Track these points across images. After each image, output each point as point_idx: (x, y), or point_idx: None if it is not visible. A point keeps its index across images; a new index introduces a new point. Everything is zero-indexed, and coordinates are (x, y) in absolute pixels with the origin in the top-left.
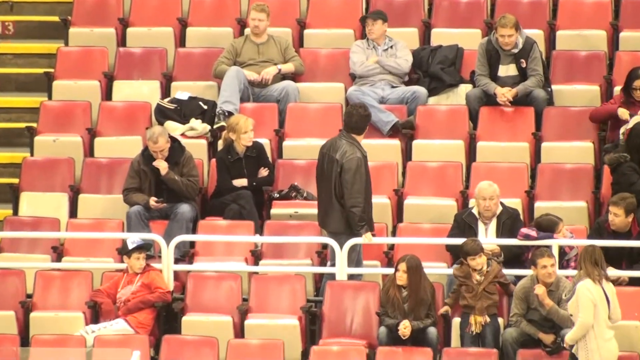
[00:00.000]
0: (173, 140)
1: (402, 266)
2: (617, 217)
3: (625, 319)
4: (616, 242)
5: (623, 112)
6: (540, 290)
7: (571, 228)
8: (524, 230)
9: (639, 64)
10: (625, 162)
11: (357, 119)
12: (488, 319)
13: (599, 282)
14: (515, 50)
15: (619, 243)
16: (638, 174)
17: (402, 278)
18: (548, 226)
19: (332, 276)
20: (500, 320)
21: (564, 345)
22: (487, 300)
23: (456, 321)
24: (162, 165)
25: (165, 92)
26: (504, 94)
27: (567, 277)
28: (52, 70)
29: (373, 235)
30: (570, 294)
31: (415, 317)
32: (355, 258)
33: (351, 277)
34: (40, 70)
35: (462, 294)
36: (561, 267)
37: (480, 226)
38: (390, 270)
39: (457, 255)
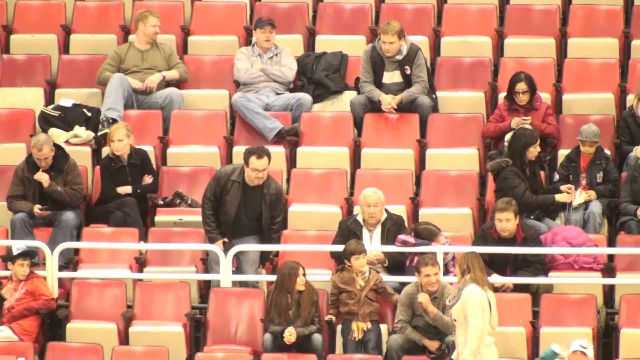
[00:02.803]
0: (57, 147)
1: (301, 271)
2: (508, 222)
3: (510, 325)
4: (502, 248)
5: (516, 122)
6: (423, 298)
7: (456, 235)
8: (401, 236)
9: (523, 70)
10: (507, 166)
11: None
12: (370, 325)
13: (485, 288)
14: (400, 57)
15: (505, 250)
16: (519, 178)
17: (301, 283)
18: (427, 236)
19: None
20: (384, 327)
21: None
22: (369, 306)
23: (339, 328)
24: (43, 179)
25: (49, 99)
26: (389, 100)
27: (451, 283)
28: None
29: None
30: (455, 299)
31: (300, 324)
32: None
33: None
34: None
35: (344, 300)
36: (444, 273)
37: (365, 233)
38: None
39: (341, 261)
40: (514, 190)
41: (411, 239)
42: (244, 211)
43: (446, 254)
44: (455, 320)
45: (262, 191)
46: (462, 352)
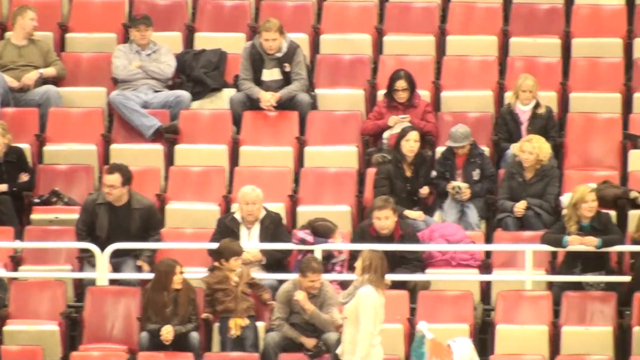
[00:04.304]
0: None
1: (178, 269)
2: (387, 219)
3: (388, 322)
4: (380, 245)
5: (392, 120)
6: (300, 295)
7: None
8: (300, 234)
9: (402, 67)
10: (384, 162)
11: None
12: (248, 321)
13: (379, 291)
14: (279, 55)
15: (383, 247)
16: (387, 179)
17: (178, 281)
18: (324, 232)
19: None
20: (261, 324)
21: None
22: (246, 302)
23: (217, 326)
24: None
25: None
26: (268, 98)
27: (331, 281)
28: None
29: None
30: (350, 297)
31: (177, 322)
32: None
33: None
34: None
35: (220, 299)
36: (326, 270)
37: (243, 230)
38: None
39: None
40: (375, 190)
41: (309, 237)
42: (115, 232)
43: (339, 252)
44: (346, 318)
45: (130, 208)
46: (348, 351)
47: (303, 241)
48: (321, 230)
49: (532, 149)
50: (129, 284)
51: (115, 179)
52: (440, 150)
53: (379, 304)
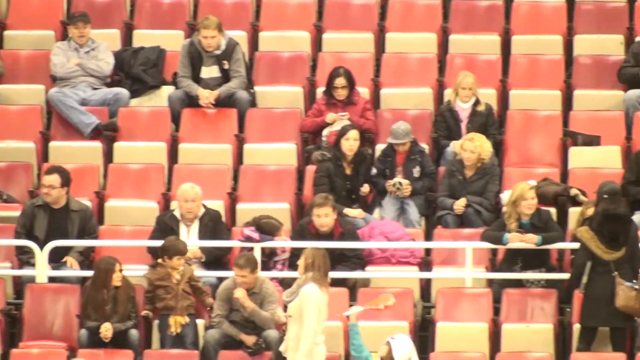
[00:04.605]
0: None
1: (118, 267)
2: (327, 217)
3: (328, 320)
4: (320, 243)
5: (331, 117)
6: (240, 293)
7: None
8: (246, 231)
9: (342, 65)
10: (324, 160)
11: None
12: (187, 319)
13: (323, 289)
14: (218, 52)
15: (323, 244)
16: (327, 177)
17: (118, 278)
18: (269, 230)
19: None
20: (201, 322)
21: None
22: (187, 300)
23: (156, 323)
24: None
25: None
26: (207, 95)
27: (272, 279)
28: None
29: None
30: (294, 295)
31: (117, 319)
32: None
33: None
34: None
35: (160, 296)
36: (268, 268)
37: (182, 228)
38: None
39: (158, 257)
40: (315, 188)
41: (255, 234)
42: (54, 234)
43: (283, 250)
44: (290, 316)
45: (69, 210)
46: (292, 348)
47: (249, 239)
48: (266, 228)
49: (473, 147)
50: (69, 282)
51: (54, 179)
52: (380, 148)
53: (323, 302)
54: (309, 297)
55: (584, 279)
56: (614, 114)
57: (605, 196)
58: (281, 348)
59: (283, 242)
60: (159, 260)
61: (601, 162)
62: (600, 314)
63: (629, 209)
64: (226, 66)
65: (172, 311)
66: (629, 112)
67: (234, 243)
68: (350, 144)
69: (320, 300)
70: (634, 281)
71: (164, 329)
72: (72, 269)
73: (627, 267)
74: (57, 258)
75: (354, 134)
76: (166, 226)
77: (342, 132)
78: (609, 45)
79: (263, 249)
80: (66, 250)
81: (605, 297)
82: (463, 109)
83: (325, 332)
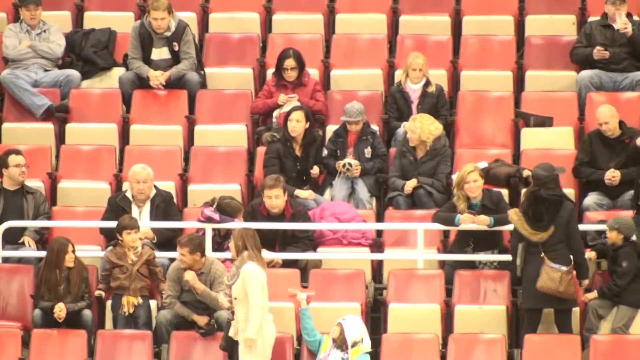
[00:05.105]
0: None
1: (70, 247)
2: (277, 198)
3: (280, 301)
4: (271, 224)
5: (282, 99)
6: (189, 275)
7: None
8: (207, 212)
9: (291, 46)
10: (274, 141)
11: None
12: (141, 300)
13: (262, 265)
14: (168, 34)
15: (273, 225)
16: (276, 159)
17: (70, 259)
18: (230, 211)
19: None
20: (153, 302)
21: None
22: (141, 281)
23: (109, 303)
24: None
25: None
26: (157, 77)
27: (224, 260)
28: None
29: None
30: (235, 278)
31: (70, 300)
32: None
33: None
34: None
35: (115, 275)
36: (222, 249)
37: (134, 209)
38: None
39: (110, 237)
40: (265, 169)
41: (216, 215)
42: (9, 216)
43: None
44: (235, 299)
45: (24, 192)
46: (243, 329)
47: (210, 219)
48: (227, 210)
49: (414, 128)
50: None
51: (22, 159)
52: (330, 129)
53: (265, 277)
54: (250, 275)
55: (518, 261)
56: (567, 94)
57: (532, 178)
58: (230, 333)
59: (235, 224)
60: (120, 240)
61: (554, 143)
62: (537, 295)
63: (562, 190)
64: (176, 48)
65: (125, 291)
66: (581, 93)
67: (192, 224)
68: (293, 125)
69: (262, 277)
70: (560, 264)
71: (116, 309)
72: (31, 248)
73: (561, 248)
74: (12, 239)
75: (297, 115)
76: (118, 207)
77: (288, 113)
78: (561, 26)
79: (219, 230)
80: (22, 231)
81: (536, 279)
82: (414, 90)
83: (276, 313)
